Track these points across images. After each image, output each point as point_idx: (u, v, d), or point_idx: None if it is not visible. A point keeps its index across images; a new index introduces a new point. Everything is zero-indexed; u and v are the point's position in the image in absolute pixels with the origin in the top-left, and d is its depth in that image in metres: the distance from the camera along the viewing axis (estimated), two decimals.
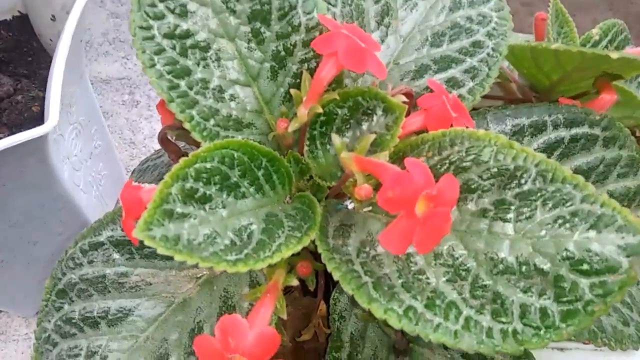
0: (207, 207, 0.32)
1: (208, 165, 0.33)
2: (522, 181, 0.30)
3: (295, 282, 0.33)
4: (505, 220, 0.30)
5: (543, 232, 0.29)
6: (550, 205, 0.29)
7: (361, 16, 0.40)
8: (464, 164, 0.32)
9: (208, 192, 0.33)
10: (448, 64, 0.39)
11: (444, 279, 0.30)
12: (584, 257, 0.27)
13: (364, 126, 0.36)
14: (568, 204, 0.29)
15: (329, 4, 0.40)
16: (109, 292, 0.38)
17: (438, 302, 0.29)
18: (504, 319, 0.28)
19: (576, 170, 0.41)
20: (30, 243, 0.54)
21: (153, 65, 0.34)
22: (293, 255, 0.33)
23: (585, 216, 0.28)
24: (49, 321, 0.40)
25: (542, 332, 0.27)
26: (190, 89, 0.35)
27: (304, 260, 0.35)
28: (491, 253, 0.30)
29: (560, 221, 0.29)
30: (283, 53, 0.36)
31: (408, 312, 0.29)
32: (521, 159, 0.30)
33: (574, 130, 0.41)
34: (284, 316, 0.32)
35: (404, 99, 0.35)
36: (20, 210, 0.48)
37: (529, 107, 0.41)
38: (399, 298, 0.29)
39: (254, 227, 0.33)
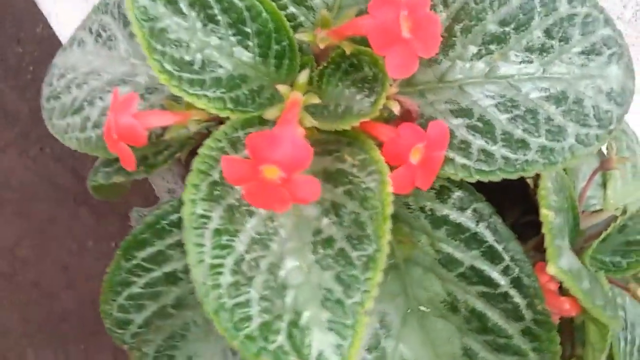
0: (208, 25, 0.36)
1: (236, 1, 0.36)
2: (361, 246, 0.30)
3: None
4: (314, 253, 0.31)
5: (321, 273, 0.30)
6: (343, 266, 0.30)
7: (478, 21, 0.36)
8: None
9: (219, 17, 0.36)
10: (481, 129, 0.35)
11: (254, 234, 0.33)
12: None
13: (360, 96, 0.35)
14: (348, 273, 0.29)
15: None
16: None
17: (224, 237, 0.32)
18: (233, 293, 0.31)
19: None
20: None
21: None
22: None
23: (346, 289, 0.29)
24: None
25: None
26: None
27: None
28: (278, 264, 0.31)
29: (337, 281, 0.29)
30: None
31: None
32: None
33: (514, 291, 0.37)
34: None
35: (398, 107, 0.34)
36: None
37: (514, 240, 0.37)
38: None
39: (221, 71, 0.37)
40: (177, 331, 0.47)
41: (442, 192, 0.38)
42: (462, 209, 0.38)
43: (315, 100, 0.33)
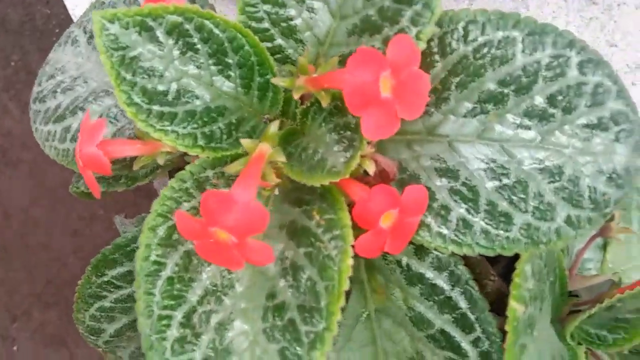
0: (186, 53, 0.34)
1: (216, 31, 0.33)
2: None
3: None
4: (264, 320, 0.29)
5: (266, 344, 0.28)
6: (289, 341, 0.28)
7: (475, 77, 0.32)
8: None
9: (198, 46, 0.34)
10: (465, 195, 0.32)
11: (209, 285, 0.31)
12: None
13: (337, 147, 0.33)
14: (293, 351, 0.28)
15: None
16: None
17: (177, 286, 0.31)
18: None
19: None
20: None
21: None
22: None
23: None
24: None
25: None
26: None
27: None
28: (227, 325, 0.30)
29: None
30: (361, 25, 0.32)
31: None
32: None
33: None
34: None
35: (373, 167, 0.31)
36: None
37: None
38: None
39: (197, 102, 0.35)
40: None
41: (421, 248, 0.36)
42: (439, 270, 0.35)
43: (281, 157, 0.30)
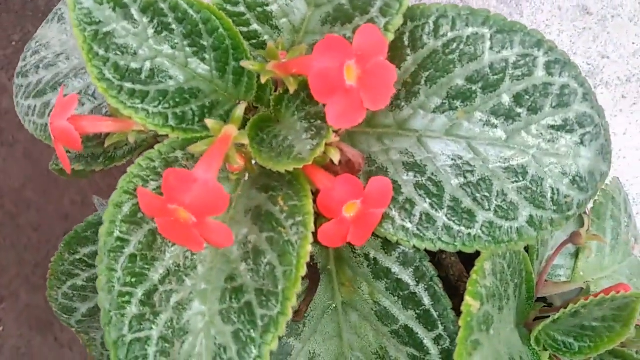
0: (161, 33, 0.34)
1: (190, 12, 0.33)
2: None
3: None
4: (221, 302, 0.30)
5: (222, 325, 0.29)
6: (243, 323, 0.28)
7: (444, 72, 0.32)
8: None
9: (173, 26, 0.34)
10: (430, 190, 0.32)
11: (172, 265, 0.32)
12: None
13: (306, 135, 0.33)
14: (247, 333, 0.28)
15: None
16: None
17: (139, 264, 0.31)
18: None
19: None
20: None
21: None
22: None
23: (240, 350, 0.27)
24: None
25: None
26: None
27: None
28: (185, 305, 0.30)
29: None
30: (334, 14, 0.33)
31: None
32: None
33: None
34: None
35: (338, 156, 0.31)
36: None
37: None
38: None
39: (171, 82, 0.35)
40: None
41: (389, 242, 0.36)
42: (405, 265, 0.36)
43: (245, 140, 0.31)
